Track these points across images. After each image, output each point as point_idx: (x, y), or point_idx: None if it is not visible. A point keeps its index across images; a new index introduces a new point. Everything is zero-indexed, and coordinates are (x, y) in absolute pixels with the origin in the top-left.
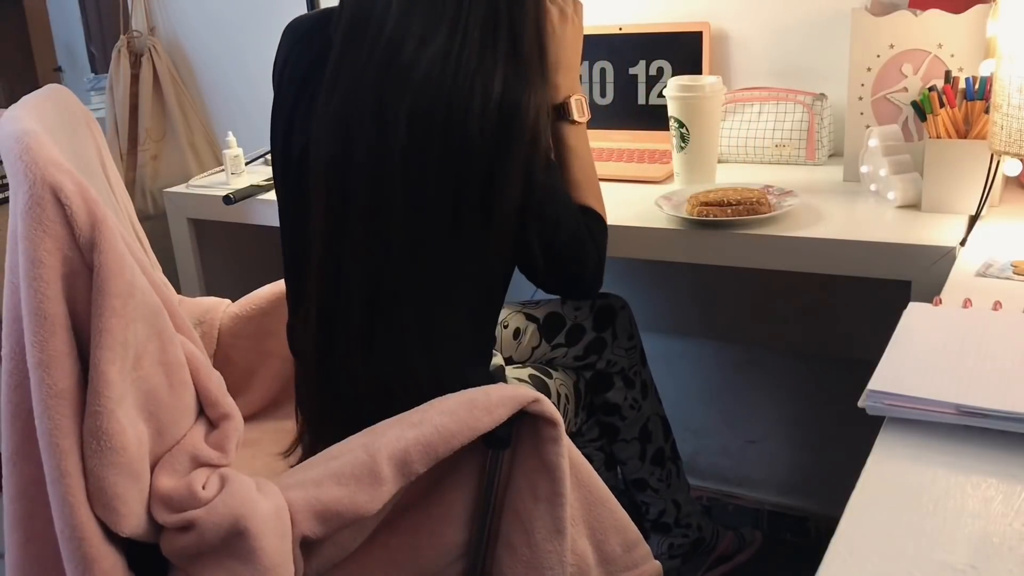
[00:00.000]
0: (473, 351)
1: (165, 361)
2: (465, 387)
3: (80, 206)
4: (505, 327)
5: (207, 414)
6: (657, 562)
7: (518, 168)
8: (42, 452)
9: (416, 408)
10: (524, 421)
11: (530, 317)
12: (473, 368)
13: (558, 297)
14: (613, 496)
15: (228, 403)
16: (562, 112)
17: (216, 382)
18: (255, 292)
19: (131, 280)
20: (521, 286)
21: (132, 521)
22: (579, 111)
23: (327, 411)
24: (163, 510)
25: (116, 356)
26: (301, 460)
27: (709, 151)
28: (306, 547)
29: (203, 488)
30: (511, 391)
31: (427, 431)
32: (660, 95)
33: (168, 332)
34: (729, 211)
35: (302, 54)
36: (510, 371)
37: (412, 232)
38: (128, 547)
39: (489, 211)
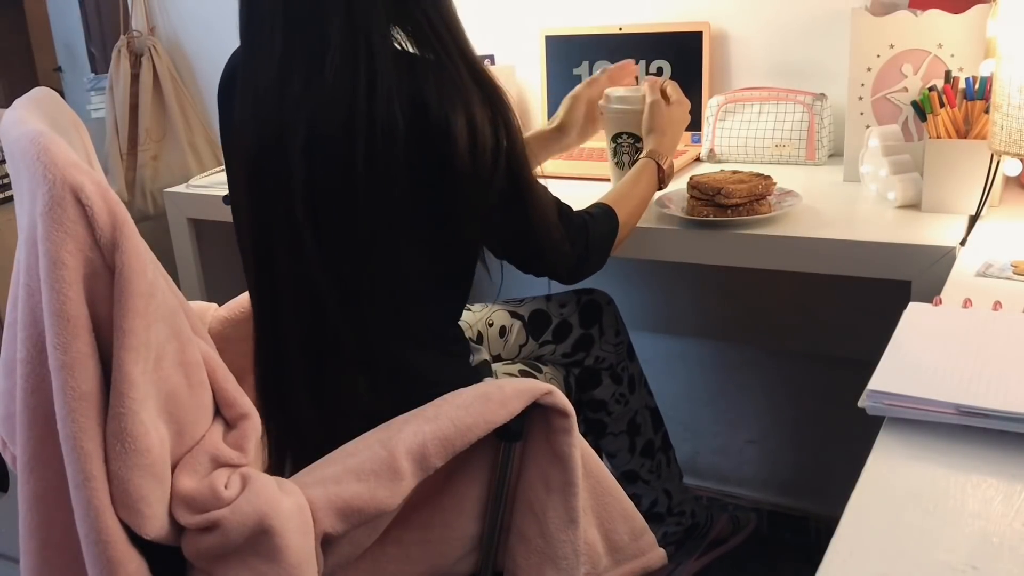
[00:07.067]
0: (439, 351)
1: (184, 361)
2: (438, 385)
3: (101, 207)
4: (490, 325)
5: (224, 414)
6: (662, 550)
7: (459, 184)
8: (65, 456)
9: (430, 403)
10: (535, 413)
11: (514, 315)
12: (440, 369)
13: (542, 295)
14: (619, 485)
15: (245, 402)
16: (660, 172)
17: (232, 382)
18: (243, 295)
19: (152, 280)
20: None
21: (156, 523)
22: (669, 176)
23: (288, 429)
24: (186, 511)
25: (139, 357)
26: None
27: None
28: (324, 545)
29: (225, 488)
30: (524, 384)
31: (443, 425)
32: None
33: (186, 332)
34: (729, 211)
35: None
36: (499, 367)
37: (337, 269)
38: (148, 550)
39: (437, 229)
